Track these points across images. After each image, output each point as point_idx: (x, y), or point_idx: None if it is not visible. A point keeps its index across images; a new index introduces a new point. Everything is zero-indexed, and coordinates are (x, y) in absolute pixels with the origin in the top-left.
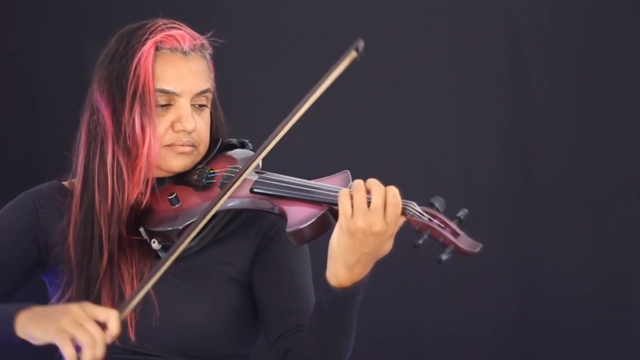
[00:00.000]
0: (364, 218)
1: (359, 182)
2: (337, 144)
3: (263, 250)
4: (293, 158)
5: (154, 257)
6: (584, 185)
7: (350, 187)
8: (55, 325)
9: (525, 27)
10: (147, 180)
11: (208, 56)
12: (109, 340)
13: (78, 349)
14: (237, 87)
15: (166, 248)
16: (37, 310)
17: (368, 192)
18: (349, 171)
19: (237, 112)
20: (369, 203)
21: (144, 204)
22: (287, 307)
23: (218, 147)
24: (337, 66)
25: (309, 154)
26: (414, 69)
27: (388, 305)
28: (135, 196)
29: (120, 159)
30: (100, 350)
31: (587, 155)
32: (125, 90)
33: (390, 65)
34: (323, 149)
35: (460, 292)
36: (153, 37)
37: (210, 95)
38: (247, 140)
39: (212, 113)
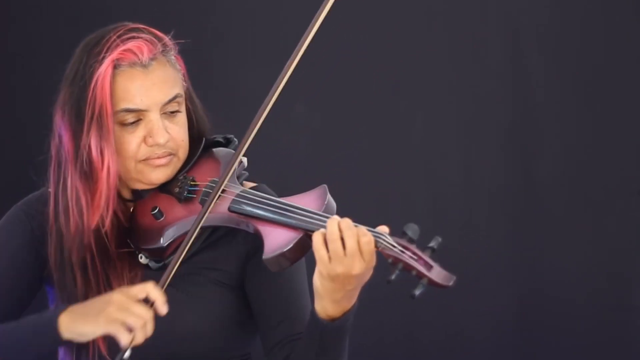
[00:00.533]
0: (342, 264)
1: (332, 231)
2: (337, 144)
3: (254, 256)
4: (293, 158)
5: (145, 268)
6: (584, 185)
7: (325, 209)
8: (104, 317)
9: (525, 27)
10: (109, 204)
11: (173, 58)
12: (164, 311)
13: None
14: (237, 87)
15: (156, 259)
16: (76, 309)
17: (341, 232)
18: (326, 186)
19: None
20: (344, 244)
21: (105, 228)
22: (283, 314)
23: (201, 148)
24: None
25: (309, 154)
26: (414, 69)
27: (388, 305)
28: (96, 220)
29: (78, 184)
30: (151, 327)
31: (587, 155)
32: (84, 114)
33: (390, 65)
34: (323, 148)
35: (460, 292)
36: (110, 54)
37: (181, 99)
38: (232, 136)
39: (189, 109)
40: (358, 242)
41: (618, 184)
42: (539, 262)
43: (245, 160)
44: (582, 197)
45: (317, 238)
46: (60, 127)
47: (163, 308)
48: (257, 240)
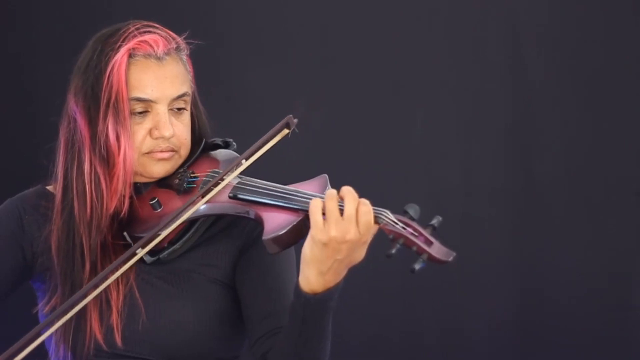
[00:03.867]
0: (337, 227)
1: (331, 192)
2: (338, 144)
3: (247, 252)
4: (293, 157)
5: (139, 261)
6: (584, 186)
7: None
8: None
9: (525, 27)
10: (125, 189)
11: (185, 57)
12: None
13: None
14: (237, 87)
15: (151, 252)
16: None
17: (341, 199)
18: (326, 175)
19: (237, 112)
20: (341, 211)
21: (123, 212)
22: (268, 308)
23: (201, 148)
24: (268, 140)
25: (310, 154)
26: (414, 69)
27: (387, 305)
28: (114, 204)
29: (98, 168)
30: None
31: (587, 155)
32: (100, 100)
33: (390, 65)
34: (323, 148)
35: (460, 292)
36: (126, 44)
37: (188, 98)
38: (231, 140)
39: (193, 113)
40: (357, 210)
41: (618, 184)
42: (539, 261)
43: (245, 163)
44: (582, 197)
45: (314, 203)
46: (75, 114)
47: None
48: (250, 236)
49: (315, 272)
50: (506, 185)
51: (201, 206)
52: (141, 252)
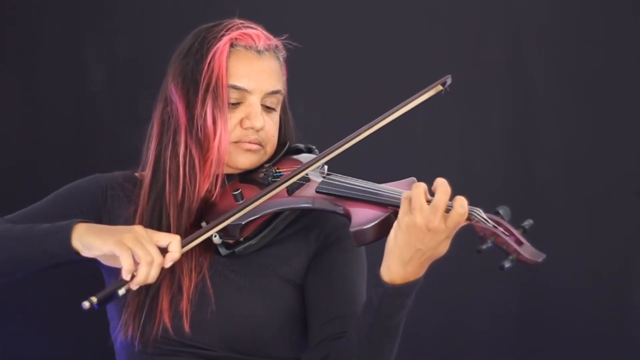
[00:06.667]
0: (422, 214)
1: (420, 183)
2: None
3: (320, 255)
4: None
5: (214, 252)
6: (584, 185)
7: None
8: (116, 238)
9: (525, 27)
10: (217, 175)
11: (281, 59)
12: (167, 264)
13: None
14: None
15: (226, 244)
16: (97, 225)
17: (433, 191)
18: (414, 178)
19: None
20: (430, 202)
21: (214, 195)
22: (334, 312)
23: (285, 150)
24: (420, 95)
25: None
26: (414, 69)
27: None
28: (205, 188)
29: (193, 151)
30: (155, 272)
31: (587, 155)
32: (199, 84)
33: (390, 65)
34: (323, 148)
35: (460, 291)
36: (229, 34)
37: (280, 98)
38: (314, 147)
39: (281, 117)
40: (450, 204)
41: (618, 184)
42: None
43: (325, 167)
44: (581, 197)
45: (406, 193)
46: (173, 97)
47: (169, 263)
48: (326, 241)
49: (397, 260)
50: (506, 185)
51: (292, 199)
52: (214, 229)
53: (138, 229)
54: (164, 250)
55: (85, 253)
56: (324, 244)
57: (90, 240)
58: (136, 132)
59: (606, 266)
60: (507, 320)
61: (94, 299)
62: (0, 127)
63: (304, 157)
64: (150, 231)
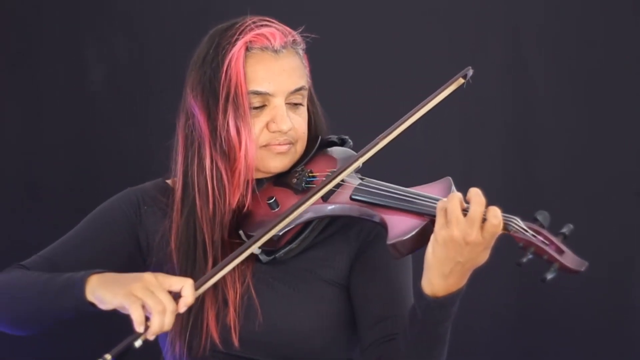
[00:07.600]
0: (458, 227)
1: (454, 193)
2: None
3: (363, 254)
4: None
5: (255, 261)
6: (584, 185)
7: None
8: (126, 290)
9: (525, 27)
10: (247, 183)
11: (301, 52)
12: (181, 309)
13: (147, 318)
14: None
15: (267, 252)
16: (109, 275)
17: (468, 202)
18: (450, 178)
19: None
20: (465, 213)
21: (246, 207)
22: (383, 313)
23: (317, 145)
24: (442, 90)
25: None
26: (414, 69)
27: None
28: (236, 199)
29: (219, 163)
30: (169, 320)
31: (587, 155)
32: (218, 94)
33: (390, 65)
34: None
35: None
36: (243, 37)
37: (305, 93)
38: (347, 137)
39: (309, 108)
40: (484, 215)
41: (618, 184)
42: (538, 262)
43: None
44: (581, 197)
45: (441, 204)
46: (194, 109)
47: (183, 308)
48: (367, 239)
49: (437, 274)
50: (506, 185)
51: (326, 207)
52: (255, 245)
53: (148, 277)
54: (177, 295)
55: (101, 306)
56: (364, 242)
57: (102, 294)
58: (136, 132)
59: (606, 266)
60: (507, 320)
61: (108, 357)
62: (0, 127)
63: (337, 152)
64: (161, 276)
